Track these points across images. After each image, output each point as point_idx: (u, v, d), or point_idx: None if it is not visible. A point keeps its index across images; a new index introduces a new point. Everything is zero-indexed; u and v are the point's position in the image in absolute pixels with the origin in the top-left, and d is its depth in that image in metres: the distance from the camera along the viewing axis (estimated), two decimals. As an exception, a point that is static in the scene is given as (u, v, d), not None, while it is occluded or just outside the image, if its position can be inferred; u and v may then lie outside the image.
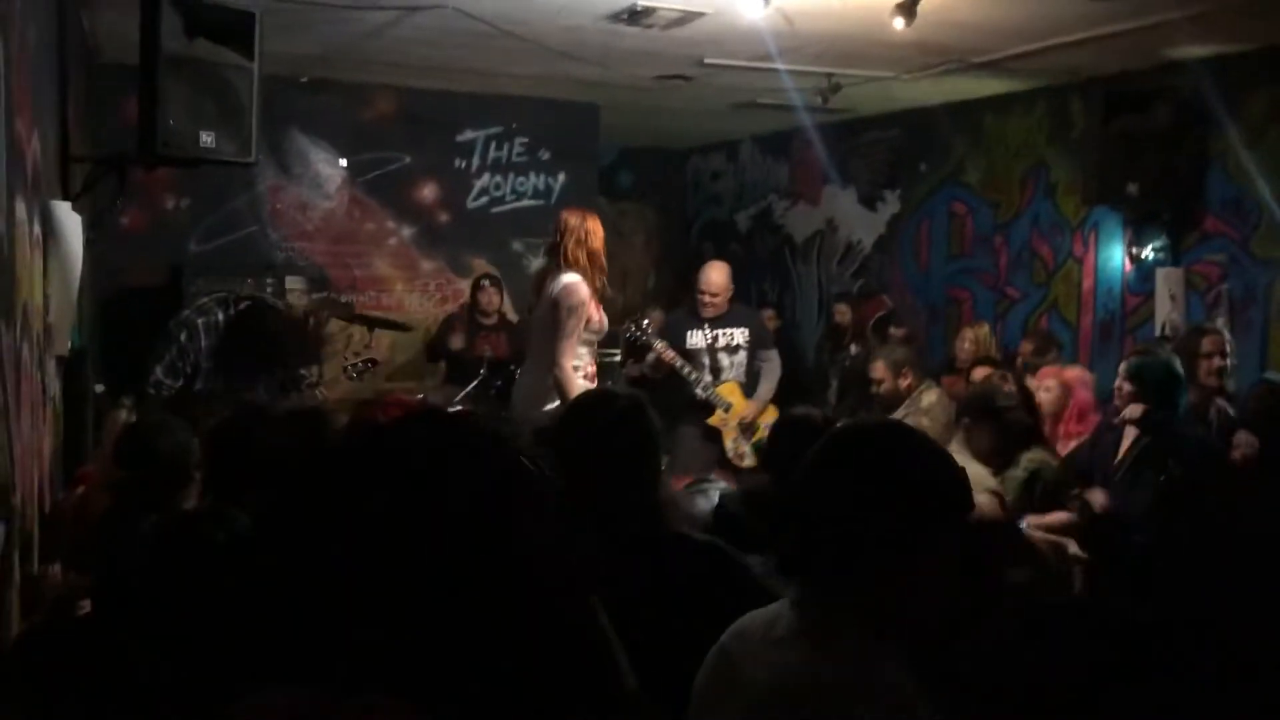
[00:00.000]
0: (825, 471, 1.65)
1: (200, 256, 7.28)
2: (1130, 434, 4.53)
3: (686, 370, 5.99)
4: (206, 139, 4.71)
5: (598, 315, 4.93)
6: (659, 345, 6.00)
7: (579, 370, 4.87)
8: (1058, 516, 4.34)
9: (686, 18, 5.60)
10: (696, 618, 1.97)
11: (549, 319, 4.83)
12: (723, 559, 2.38)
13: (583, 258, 4.81)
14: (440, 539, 1.09)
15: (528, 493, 1.17)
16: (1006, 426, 4.29)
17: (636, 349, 6.45)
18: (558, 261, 4.85)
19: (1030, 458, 4.44)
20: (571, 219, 4.93)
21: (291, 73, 7.16)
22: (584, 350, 4.89)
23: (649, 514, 2.41)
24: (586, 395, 3.07)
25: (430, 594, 1.09)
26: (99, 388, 5.58)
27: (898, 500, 1.58)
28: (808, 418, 3.54)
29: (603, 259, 4.88)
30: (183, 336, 5.35)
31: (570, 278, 4.78)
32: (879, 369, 5.40)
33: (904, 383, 5.30)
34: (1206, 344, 4.97)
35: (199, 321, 5.40)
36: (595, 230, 4.89)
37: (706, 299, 6.18)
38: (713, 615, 1.87)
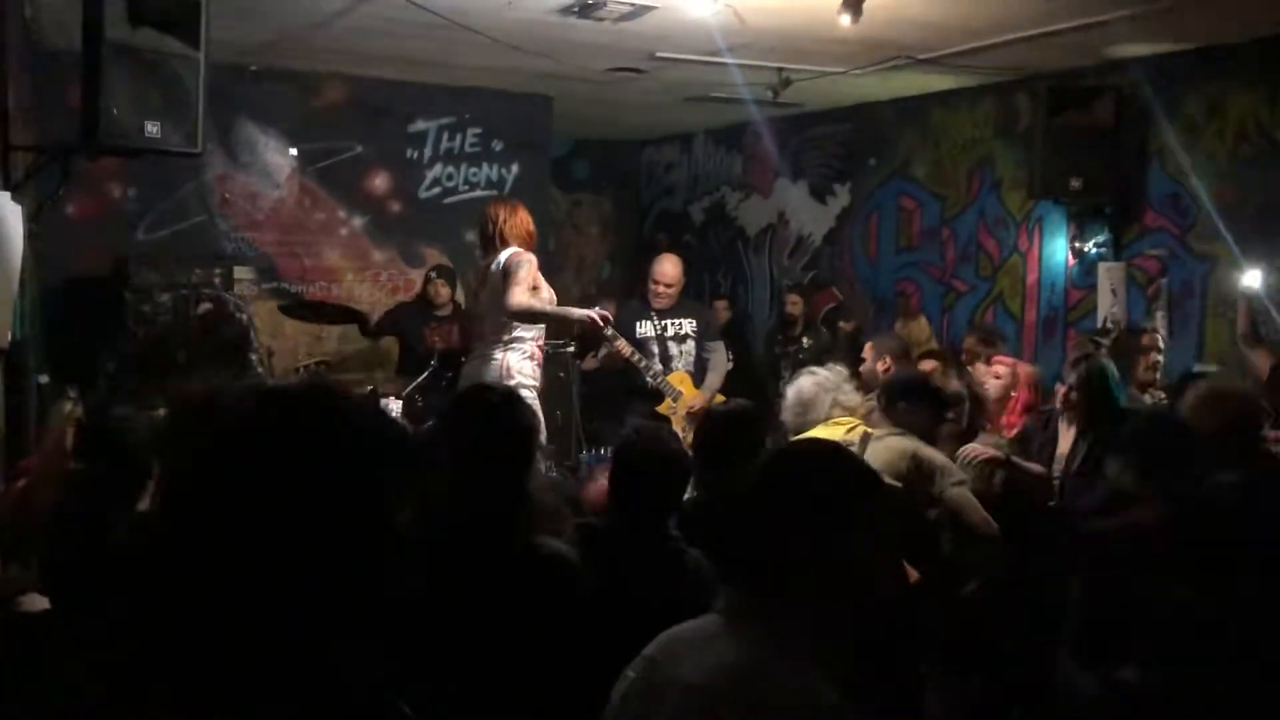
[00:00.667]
0: (760, 490, 1.76)
1: (147, 246, 7.18)
2: (1067, 435, 4.69)
3: (638, 359, 6.04)
4: (151, 129, 4.68)
5: (546, 287, 5.10)
6: (610, 334, 6.05)
7: (526, 348, 5.03)
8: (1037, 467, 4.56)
9: (637, 12, 5.63)
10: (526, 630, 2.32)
11: (498, 298, 4.93)
12: (562, 574, 2.55)
13: (521, 238, 5.05)
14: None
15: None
16: (943, 404, 4.40)
17: (590, 342, 6.50)
18: (495, 245, 5.05)
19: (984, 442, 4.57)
20: (500, 209, 5.14)
21: (240, 60, 7.09)
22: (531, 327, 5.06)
23: (507, 512, 2.58)
24: (466, 389, 3.27)
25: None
26: (43, 378, 5.52)
27: (819, 517, 1.69)
28: (740, 412, 3.60)
29: (534, 243, 5.11)
30: (132, 326, 5.36)
31: (515, 248, 5.01)
32: (868, 349, 5.52)
33: (881, 367, 5.37)
34: (1145, 340, 5.34)
35: (147, 312, 5.40)
36: (525, 217, 5.11)
37: (660, 289, 6.27)
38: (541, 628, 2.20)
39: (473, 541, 2.51)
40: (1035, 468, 4.57)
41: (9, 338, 4.01)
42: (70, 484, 2.97)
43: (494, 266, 5.04)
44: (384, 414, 1.40)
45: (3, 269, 3.74)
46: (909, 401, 4.21)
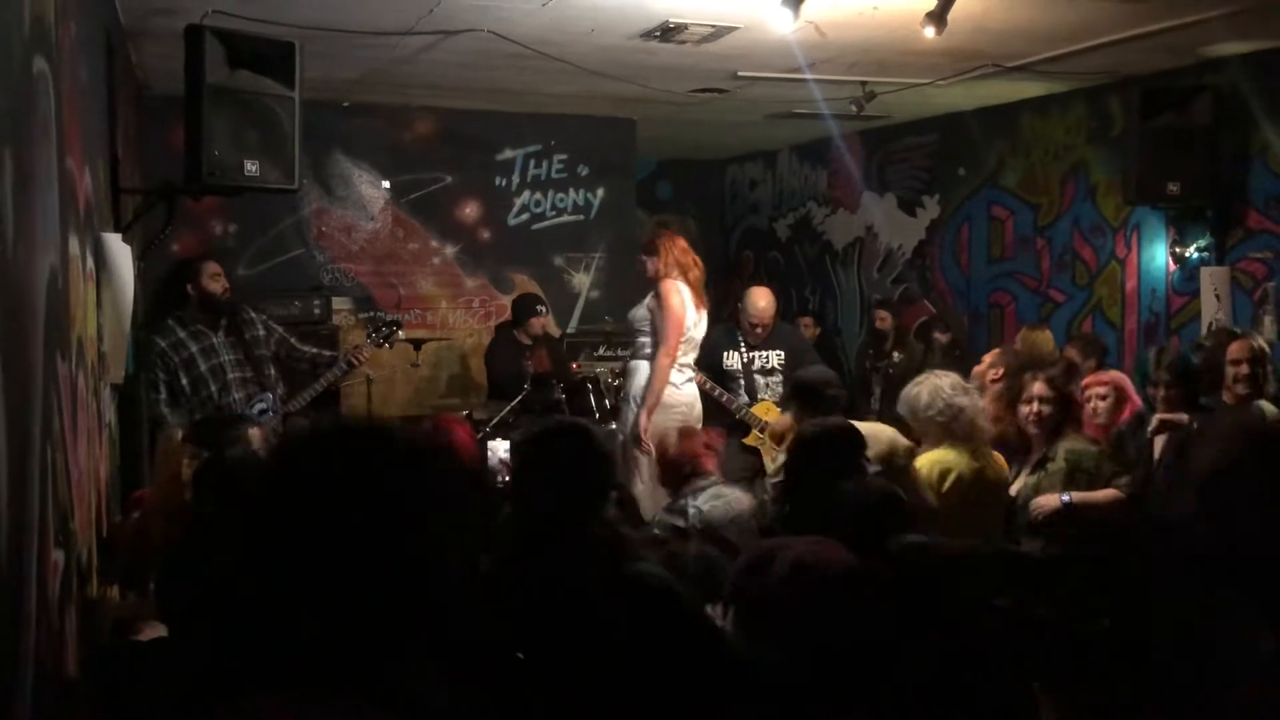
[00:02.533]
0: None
1: (249, 280, 7.41)
2: (1160, 439, 4.60)
3: (718, 393, 6.05)
4: (251, 167, 4.85)
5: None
6: (695, 376, 6.08)
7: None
8: (1106, 493, 4.37)
9: (719, 33, 5.65)
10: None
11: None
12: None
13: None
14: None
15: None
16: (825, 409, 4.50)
17: None
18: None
19: (1068, 448, 4.42)
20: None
21: (333, 97, 7.30)
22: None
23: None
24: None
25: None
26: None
27: None
28: (835, 429, 3.56)
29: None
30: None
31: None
32: (993, 357, 5.33)
33: (993, 375, 5.14)
34: (1233, 350, 4.77)
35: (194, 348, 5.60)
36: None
37: (756, 325, 6.26)
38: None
39: None
40: (1102, 495, 4.36)
41: (124, 373, 4.18)
42: (188, 521, 3.07)
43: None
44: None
45: (116, 307, 3.90)
46: (799, 405, 4.53)
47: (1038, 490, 4.37)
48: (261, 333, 5.85)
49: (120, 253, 3.99)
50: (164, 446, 4.54)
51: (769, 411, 6.18)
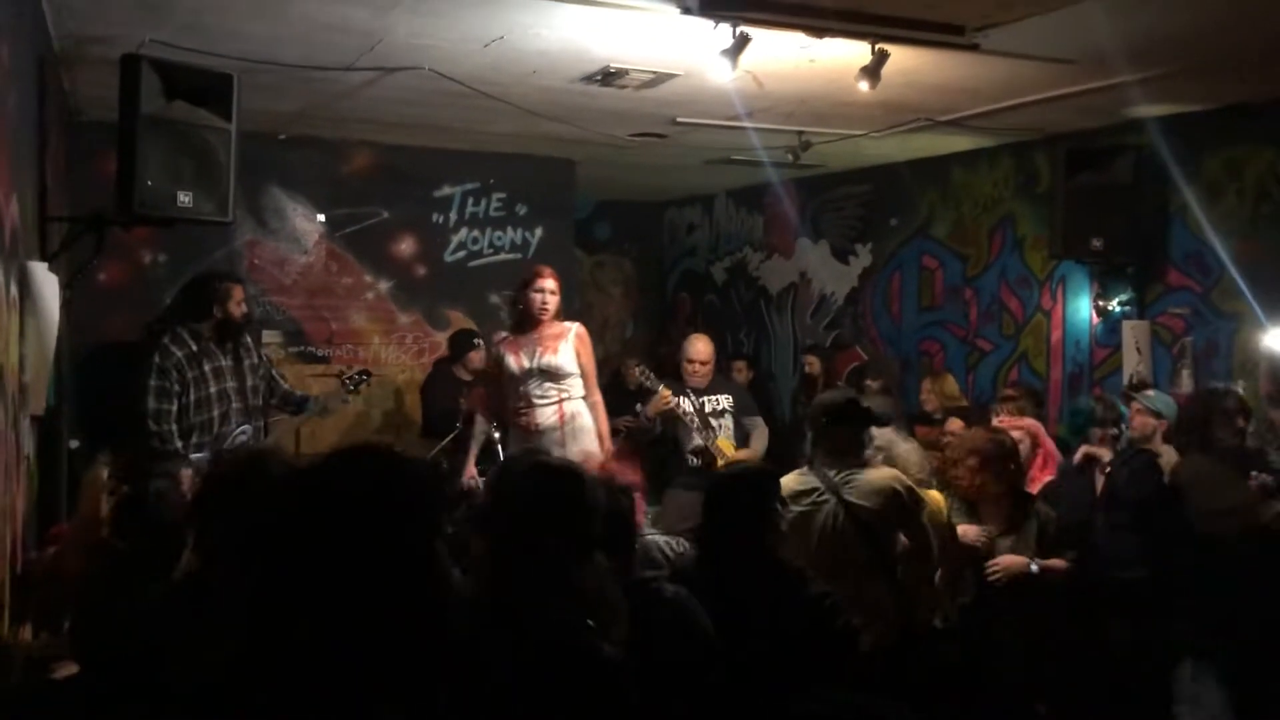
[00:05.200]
0: None
1: (177, 311, 7.29)
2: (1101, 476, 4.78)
3: (690, 418, 6.16)
4: (184, 199, 4.78)
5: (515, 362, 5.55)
6: (663, 389, 6.18)
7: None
8: (1058, 563, 4.53)
9: (658, 79, 5.72)
10: None
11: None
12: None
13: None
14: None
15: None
16: (867, 423, 4.41)
17: (639, 394, 6.58)
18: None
19: (1041, 511, 4.66)
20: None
21: (270, 129, 7.24)
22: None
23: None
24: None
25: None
26: (73, 443, 5.58)
27: None
28: (750, 473, 3.57)
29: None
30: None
31: None
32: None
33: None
34: (1231, 403, 4.78)
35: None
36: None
37: (696, 367, 6.38)
38: None
39: None
40: (1059, 564, 4.53)
41: (44, 405, 4.08)
42: (104, 557, 3.00)
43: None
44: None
45: (39, 337, 3.82)
46: (830, 420, 4.31)
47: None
48: (256, 361, 5.81)
49: (46, 282, 3.91)
50: (87, 480, 4.42)
51: (729, 448, 6.30)
